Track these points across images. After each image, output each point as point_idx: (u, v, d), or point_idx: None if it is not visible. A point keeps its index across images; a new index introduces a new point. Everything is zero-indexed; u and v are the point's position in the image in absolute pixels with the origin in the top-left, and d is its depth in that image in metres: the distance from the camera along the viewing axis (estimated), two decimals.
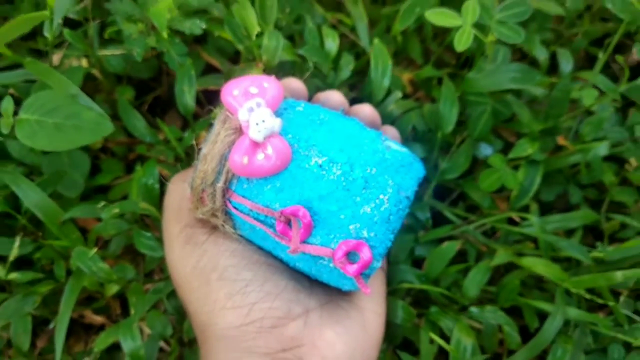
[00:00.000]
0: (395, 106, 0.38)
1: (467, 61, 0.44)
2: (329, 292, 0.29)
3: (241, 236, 0.28)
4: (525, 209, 0.41)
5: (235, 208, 0.27)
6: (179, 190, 0.31)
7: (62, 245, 0.36)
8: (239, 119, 0.25)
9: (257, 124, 0.25)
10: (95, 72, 0.43)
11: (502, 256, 0.34)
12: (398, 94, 0.37)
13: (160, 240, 0.36)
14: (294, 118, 0.27)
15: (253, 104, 0.25)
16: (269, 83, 0.26)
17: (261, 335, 0.25)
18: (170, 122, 0.48)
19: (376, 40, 0.36)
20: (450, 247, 0.37)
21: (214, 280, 0.27)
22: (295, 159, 0.26)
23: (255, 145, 0.25)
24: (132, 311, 0.33)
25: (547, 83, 0.38)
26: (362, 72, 0.44)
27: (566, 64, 0.40)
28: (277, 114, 0.27)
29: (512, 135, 0.41)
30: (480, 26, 0.31)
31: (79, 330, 0.43)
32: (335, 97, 0.31)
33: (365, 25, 0.41)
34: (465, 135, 0.38)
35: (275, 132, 0.25)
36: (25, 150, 0.39)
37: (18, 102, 0.40)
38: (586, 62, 0.51)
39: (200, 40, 0.46)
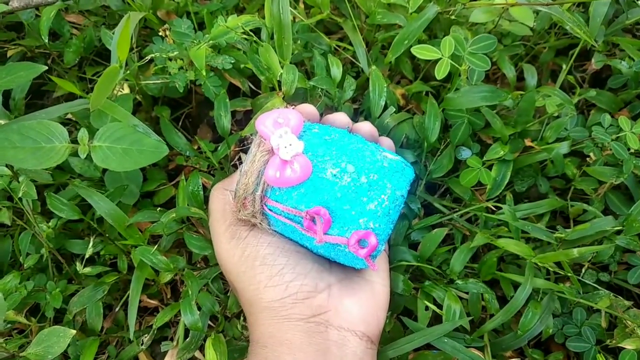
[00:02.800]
0: (390, 119, 0.46)
1: (451, 74, 0.52)
2: (345, 270, 0.37)
3: (275, 231, 0.36)
4: (504, 198, 0.49)
5: (270, 210, 0.35)
6: (221, 197, 0.39)
7: (126, 244, 0.44)
8: (271, 144, 0.34)
9: (285, 147, 0.33)
10: (137, 95, 0.51)
11: (479, 239, 0.42)
12: (392, 109, 0.45)
13: (205, 237, 0.44)
14: (311, 139, 0.36)
15: (282, 132, 0.33)
16: (292, 114, 0.34)
17: (296, 305, 0.34)
18: (202, 134, 0.56)
19: (374, 67, 0.44)
20: (440, 233, 0.45)
21: (257, 266, 0.35)
22: (314, 171, 0.34)
23: (284, 162, 0.33)
24: (189, 292, 0.41)
25: (516, 95, 0.46)
26: (362, 87, 0.52)
27: (531, 78, 0.48)
28: (299, 136, 0.35)
29: (489, 138, 0.49)
30: (455, 56, 0.39)
31: None
32: (341, 118, 0.39)
33: (364, 51, 0.48)
34: (448, 140, 0.46)
35: (299, 152, 0.34)
36: (85, 167, 0.47)
37: (79, 126, 0.49)
38: (556, 66, 0.58)
39: None
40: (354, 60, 0.51)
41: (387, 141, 0.41)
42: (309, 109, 0.39)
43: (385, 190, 0.35)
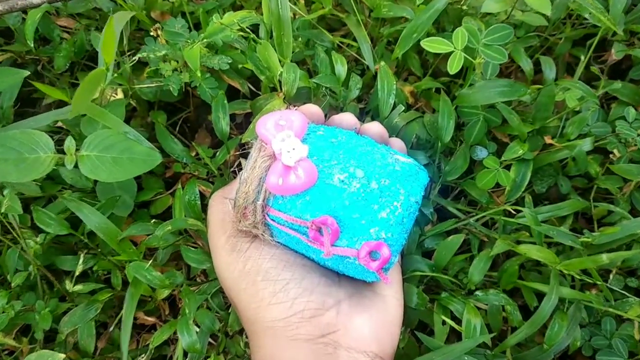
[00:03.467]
0: (399, 118, 0.43)
1: (461, 69, 0.49)
2: (355, 284, 0.34)
3: (278, 243, 0.33)
4: (522, 199, 0.46)
5: (272, 220, 0.32)
6: (220, 206, 0.36)
7: (119, 259, 0.41)
8: (272, 148, 0.31)
9: (288, 151, 0.30)
10: (131, 100, 0.49)
11: (500, 246, 0.39)
12: (401, 108, 0.42)
13: (204, 249, 0.41)
14: (316, 142, 0.33)
15: (284, 135, 0.30)
16: (295, 116, 0.32)
17: (302, 324, 0.31)
18: (200, 139, 0.53)
19: (382, 64, 0.41)
20: (456, 239, 0.42)
21: (259, 281, 0.32)
22: (320, 177, 0.31)
23: (288, 168, 0.30)
24: (186, 310, 0.38)
25: (533, 90, 0.43)
26: (368, 85, 0.49)
27: (550, 71, 0.45)
28: (303, 140, 0.32)
29: (505, 136, 0.46)
30: (469, 49, 0.36)
31: (131, 330, 0.49)
32: (348, 119, 0.36)
33: (369, 47, 0.45)
34: (462, 140, 0.43)
35: (303, 157, 0.31)
36: (76, 177, 0.45)
37: (69, 134, 0.46)
38: (571, 58, 0.55)
39: None
40: (358, 57, 0.48)
41: (397, 142, 0.38)
42: (313, 109, 0.36)
43: (398, 197, 0.32)
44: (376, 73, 0.45)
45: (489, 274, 0.43)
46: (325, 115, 0.42)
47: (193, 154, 0.49)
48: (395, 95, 0.43)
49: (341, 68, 0.42)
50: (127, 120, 0.51)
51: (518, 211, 0.44)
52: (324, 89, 0.41)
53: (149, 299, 0.45)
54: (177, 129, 0.54)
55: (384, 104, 0.41)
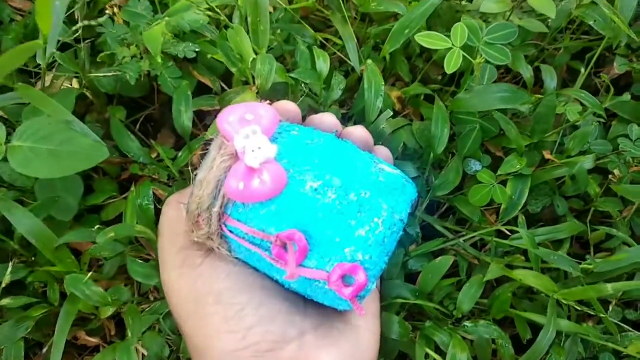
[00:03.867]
0: (386, 125, 0.38)
1: (453, 77, 0.45)
2: (324, 312, 0.29)
3: (236, 258, 0.28)
4: (514, 219, 0.42)
5: (230, 232, 0.27)
6: (174, 212, 0.31)
7: (55, 270, 0.35)
8: (234, 145, 0.26)
9: (253, 150, 0.25)
10: (86, 92, 0.43)
11: (494, 271, 0.35)
12: (389, 113, 0.38)
13: (155, 262, 0.36)
14: (288, 142, 0.28)
15: (249, 131, 0.26)
16: (265, 110, 0.27)
17: (257, 359, 0.25)
18: (163, 139, 0.48)
19: (369, 62, 0.37)
20: (445, 262, 0.37)
21: (210, 304, 0.27)
22: (290, 183, 0.26)
23: (251, 170, 0.26)
24: (129, 333, 0.33)
25: (534, 100, 0.39)
26: (351, 89, 0.45)
27: (550, 80, 0.41)
28: (272, 138, 0.27)
29: (499, 150, 0.42)
30: (467, 47, 0.32)
31: (72, 351, 0.43)
32: (328, 119, 0.32)
33: (355, 46, 0.41)
34: (453, 152, 0.39)
35: (270, 158, 0.26)
36: (15, 174, 0.39)
37: (8, 125, 0.40)
38: (568, 74, 0.52)
39: (191, 58, 0.46)
40: (343, 57, 0.44)
41: (383, 151, 0.33)
42: (288, 106, 0.31)
43: (379, 212, 0.27)
44: (361, 75, 0.40)
45: (477, 301, 0.39)
46: (303, 118, 0.37)
47: (154, 155, 0.44)
48: (383, 99, 0.39)
49: (323, 64, 0.37)
50: (82, 115, 0.46)
51: (511, 232, 0.40)
52: (302, 85, 0.37)
53: (93, 317, 0.39)
54: (139, 127, 0.48)
55: (370, 107, 0.37)
